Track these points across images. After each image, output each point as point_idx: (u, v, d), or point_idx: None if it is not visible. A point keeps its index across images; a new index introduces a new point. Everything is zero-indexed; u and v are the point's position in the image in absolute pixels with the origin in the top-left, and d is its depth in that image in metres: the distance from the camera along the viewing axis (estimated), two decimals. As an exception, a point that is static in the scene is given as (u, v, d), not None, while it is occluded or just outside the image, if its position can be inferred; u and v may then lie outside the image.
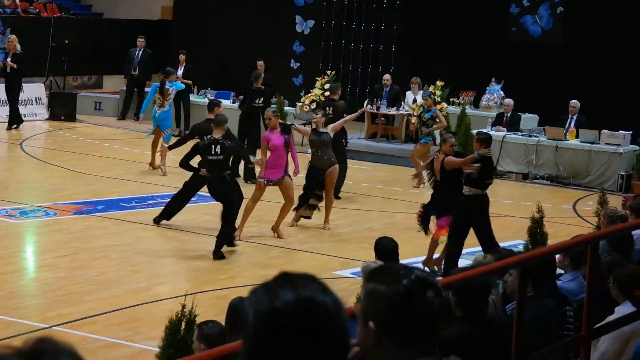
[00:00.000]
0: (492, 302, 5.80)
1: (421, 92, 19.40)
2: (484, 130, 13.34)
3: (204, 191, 15.08)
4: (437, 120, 16.55)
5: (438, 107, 18.84)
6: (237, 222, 12.19)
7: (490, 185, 11.12)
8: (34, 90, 21.98)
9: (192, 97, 21.30)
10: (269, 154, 12.59)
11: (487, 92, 20.57)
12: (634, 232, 8.12)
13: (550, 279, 6.36)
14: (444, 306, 2.49)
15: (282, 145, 12.58)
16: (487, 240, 10.57)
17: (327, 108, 15.14)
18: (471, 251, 11.92)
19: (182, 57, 21.30)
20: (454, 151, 11.28)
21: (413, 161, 16.82)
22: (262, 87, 17.26)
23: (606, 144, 17.60)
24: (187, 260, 11.63)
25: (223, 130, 12.01)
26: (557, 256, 6.73)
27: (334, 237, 13.12)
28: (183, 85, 18.50)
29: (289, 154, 12.75)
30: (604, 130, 17.77)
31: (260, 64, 20.22)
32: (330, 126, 13.53)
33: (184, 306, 6.83)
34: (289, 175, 12.74)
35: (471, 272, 4.62)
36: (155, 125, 17.20)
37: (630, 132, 17.78)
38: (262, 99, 17.00)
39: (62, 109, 22.02)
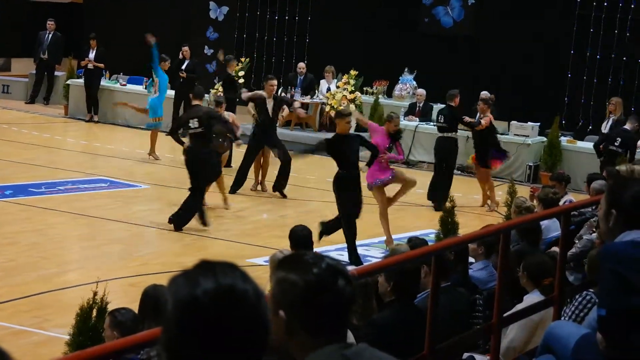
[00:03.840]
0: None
1: (335, 80, 19.47)
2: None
3: (116, 177, 14.93)
4: None
5: (352, 96, 18.96)
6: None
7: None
8: (-61, 72, 21.42)
9: (103, 82, 21.01)
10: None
11: (400, 82, 20.76)
12: (542, 222, 8.31)
13: (463, 267, 6.48)
14: (354, 294, 2.50)
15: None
16: None
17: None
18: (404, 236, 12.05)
19: (92, 41, 20.99)
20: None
21: None
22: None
23: (515, 135, 17.93)
24: (98, 246, 11.48)
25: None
26: (470, 245, 6.85)
27: (248, 225, 13.11)
28: (165, 77, 18.21)
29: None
30: (513, 122, 18.10)
31: (186, 49, 20.09)
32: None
33: (95, 293, 6.74)
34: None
35: (391, 259, 4.67)
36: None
37: (538, 124, 18.15)
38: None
39: (-32, 91, 21.52)
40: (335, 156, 11.39)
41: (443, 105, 20.15)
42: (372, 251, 11.90)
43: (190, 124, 12.47)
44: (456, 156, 15.41)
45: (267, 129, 14.74)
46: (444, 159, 15.30)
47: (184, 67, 19.89)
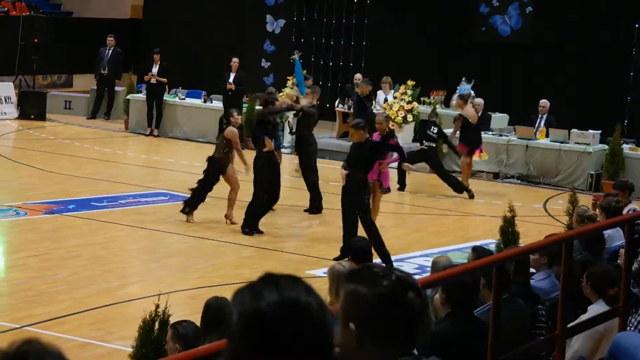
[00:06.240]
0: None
1: (392, 91, 19.44)
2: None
3: (176, 190, 15.04)
4: None
5: (409, 106, 18.92)
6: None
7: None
8: (3, 89, 21.80)
9: (164, 97, 21.21)
10: None
11: (457, 91, 20.64)
12: (605, 232, 8.19)
13: (524, 278, 6.41)
14: (424, 306, 2.50)
15: None
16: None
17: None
18: (442, 250, 11.99)
19: (156, 55, 21.21)
20: None
21: None
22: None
23: (576, 143, 17.72)
24: (158, 259, 11.59)
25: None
26: (531, 255, 6.77)
27: (306, 236, 13.13)
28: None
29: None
30: (573, 130, 17.89)
31: (235, 61, 20.19)
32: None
33: (157, 306, 6.80)
34: (380, 184, 12.68)
35: (451, 271, 4.64)
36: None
37: (599, 132, 17.91)
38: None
39: (31, 108, 21.86)
40: None
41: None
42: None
43: None
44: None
45: None
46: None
47: (231, 79, 20.00)
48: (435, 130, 16.79)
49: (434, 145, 16.70)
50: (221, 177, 13.21)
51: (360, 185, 11.40)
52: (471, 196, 16.20)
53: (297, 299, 2.09)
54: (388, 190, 12.94)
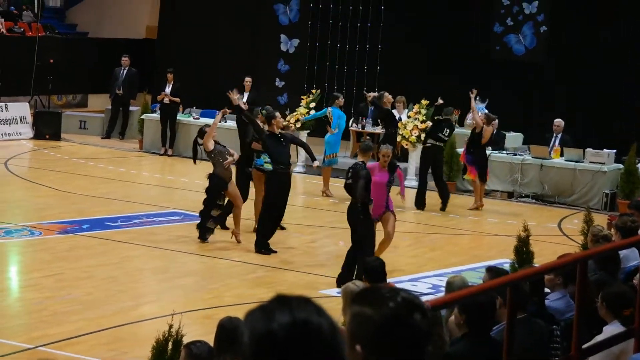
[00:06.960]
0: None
1: (406, 110, 19.44)
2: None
3: (190, 210, 15.07)
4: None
5: (423, 125, 18.91)
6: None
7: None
8: (18, 109, 21.91)
9: (178, 116, 21.27)
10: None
11: (471, 110, 20.62)
12: (620, 252, 8.13)
13: (539, 298, 6.38)
14: (430, 327, 2.48)
15: (384, 184, 12.16)
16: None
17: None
18: (455, 270, 11.95)
19: (169, 75, 21.30)
20: None
21: None
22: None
23: (591, 162, 17.67)
24: (172, 279, 11.59)
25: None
26: (546, 275, 6.73)
27: (320, 256, 13.10)
28: (343, 115, 18.19)
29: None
30: (588, 149, 17.85)
31: (249, 80, 20.24)
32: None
33: (170, 326, 6.79)
34: (392, 211, 12.24)
35: (465, 291, 4.62)
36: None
37: (614, 151, 17.86)
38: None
39: (47, 127, 21.96)
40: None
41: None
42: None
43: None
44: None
45: None
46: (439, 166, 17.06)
47: (244, 99, 20.03)
48: (447, 132, 16.98)
49: (442, 145, 16.99)
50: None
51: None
52: (442, 209, 16.45)
53: (308, 319, 2.09)
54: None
